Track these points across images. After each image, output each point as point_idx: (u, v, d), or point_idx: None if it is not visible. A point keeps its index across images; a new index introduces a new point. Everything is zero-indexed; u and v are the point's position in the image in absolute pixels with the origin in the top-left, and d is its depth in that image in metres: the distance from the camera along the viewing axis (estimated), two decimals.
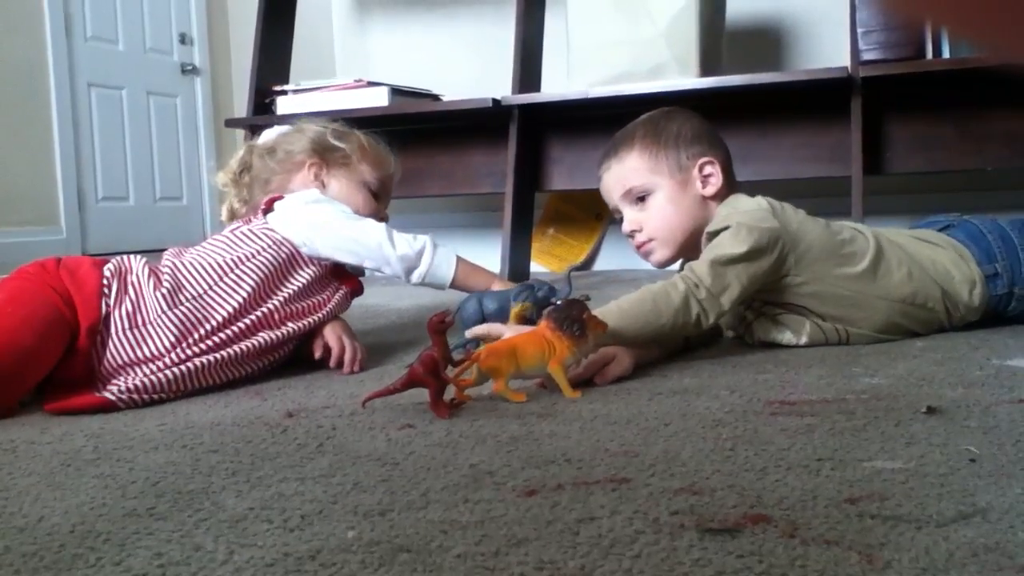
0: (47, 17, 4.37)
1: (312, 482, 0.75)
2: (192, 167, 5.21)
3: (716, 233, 1.28)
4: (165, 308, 1.18)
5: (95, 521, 0.68)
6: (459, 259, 1.39)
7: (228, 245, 1.28)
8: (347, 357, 1.27)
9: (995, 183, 2.64)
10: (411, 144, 2.79)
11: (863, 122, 2.34)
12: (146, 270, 1.22)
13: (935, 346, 1.29)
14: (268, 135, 1.51)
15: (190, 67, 5.21)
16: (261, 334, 1.23)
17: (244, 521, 0.66)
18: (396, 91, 2.77)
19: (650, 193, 1.34)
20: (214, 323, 1.20)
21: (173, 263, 1.25)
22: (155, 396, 1.11)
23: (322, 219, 1.32)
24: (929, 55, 2.25)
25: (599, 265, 3.12)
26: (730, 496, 0.68)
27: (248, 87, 3.01)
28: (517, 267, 2.66)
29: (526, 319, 1.32)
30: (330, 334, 1.29)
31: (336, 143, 1.44)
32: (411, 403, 1.03)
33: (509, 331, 1.14)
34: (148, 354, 1.15)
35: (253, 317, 1.23)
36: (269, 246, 1.28)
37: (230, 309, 1.21)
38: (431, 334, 1.00)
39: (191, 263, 1.25)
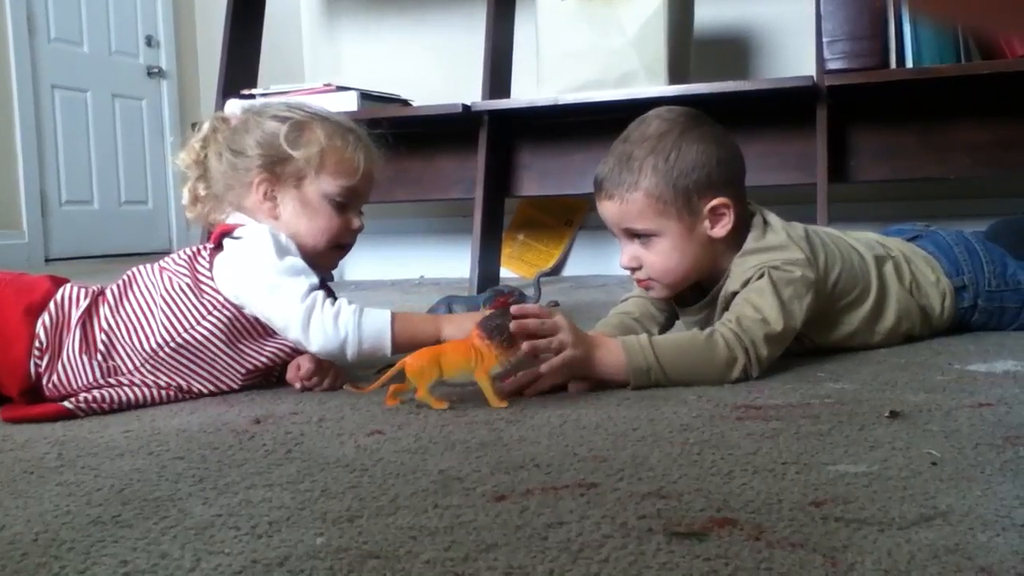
0: (9, 17, 4.31)
1: (280, 488, 0.75)
2: (158, 171, 5.16)
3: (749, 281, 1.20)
4: (98, 377, 1.13)
5: (59, 529, 0.67)
6: (394, 319, 1.17)
7: (169, 309, 1.16)
8: (326, 383, 1.18)
9: (957, 192, 2.69)
10: (380, 149, 2.78)
11: (828, 130, 2.37)
12: (79, 329, 1.14)
13: (898, 352, 1.31)
14: (232, 108, 1.34)
15: (156, 70, 5.16)
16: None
17: (211, 528, 0.66)
18: (366, 96, 2.76)
19: (654, 235, 1.22)
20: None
21: (111, 321, 1.16)
22: (115, 407, 1.10)
23: (245, 287, 1.17)
24: (893, 65, 2.28)
25: (568, 271, 3.13)
26: (697, 500, 0.69)
27: (215, 90, 2.98)
28: (487, 272, 2.67)
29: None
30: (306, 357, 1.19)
31: (289, 150, 1.24)
32: (380, 409, 1.02)
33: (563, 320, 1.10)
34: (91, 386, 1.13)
35: (206, 389, 1.18)
36: (218, 317, 1.16)
37: (172, 392, 1.15)
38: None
39: (128, 327, 1.16)
